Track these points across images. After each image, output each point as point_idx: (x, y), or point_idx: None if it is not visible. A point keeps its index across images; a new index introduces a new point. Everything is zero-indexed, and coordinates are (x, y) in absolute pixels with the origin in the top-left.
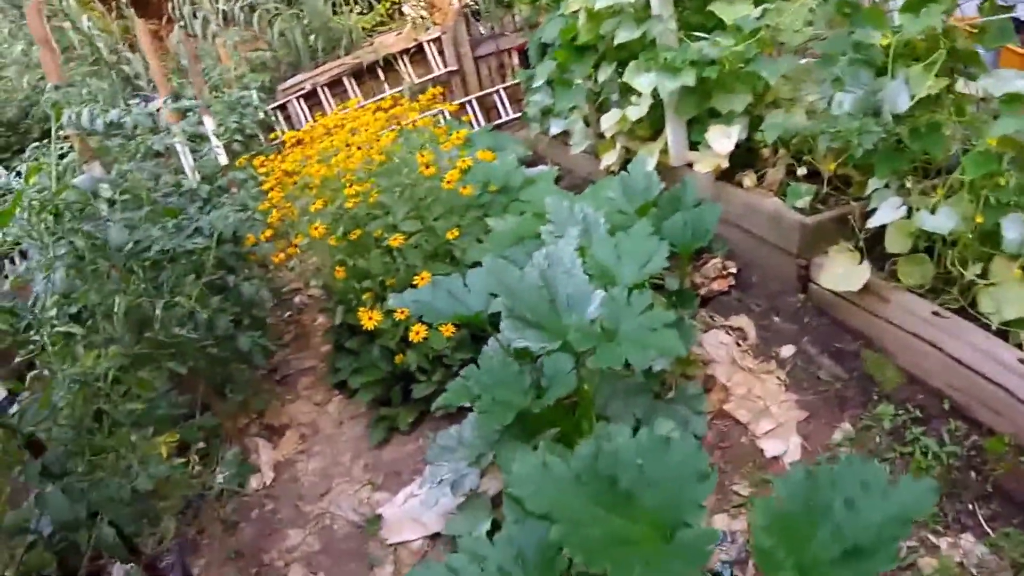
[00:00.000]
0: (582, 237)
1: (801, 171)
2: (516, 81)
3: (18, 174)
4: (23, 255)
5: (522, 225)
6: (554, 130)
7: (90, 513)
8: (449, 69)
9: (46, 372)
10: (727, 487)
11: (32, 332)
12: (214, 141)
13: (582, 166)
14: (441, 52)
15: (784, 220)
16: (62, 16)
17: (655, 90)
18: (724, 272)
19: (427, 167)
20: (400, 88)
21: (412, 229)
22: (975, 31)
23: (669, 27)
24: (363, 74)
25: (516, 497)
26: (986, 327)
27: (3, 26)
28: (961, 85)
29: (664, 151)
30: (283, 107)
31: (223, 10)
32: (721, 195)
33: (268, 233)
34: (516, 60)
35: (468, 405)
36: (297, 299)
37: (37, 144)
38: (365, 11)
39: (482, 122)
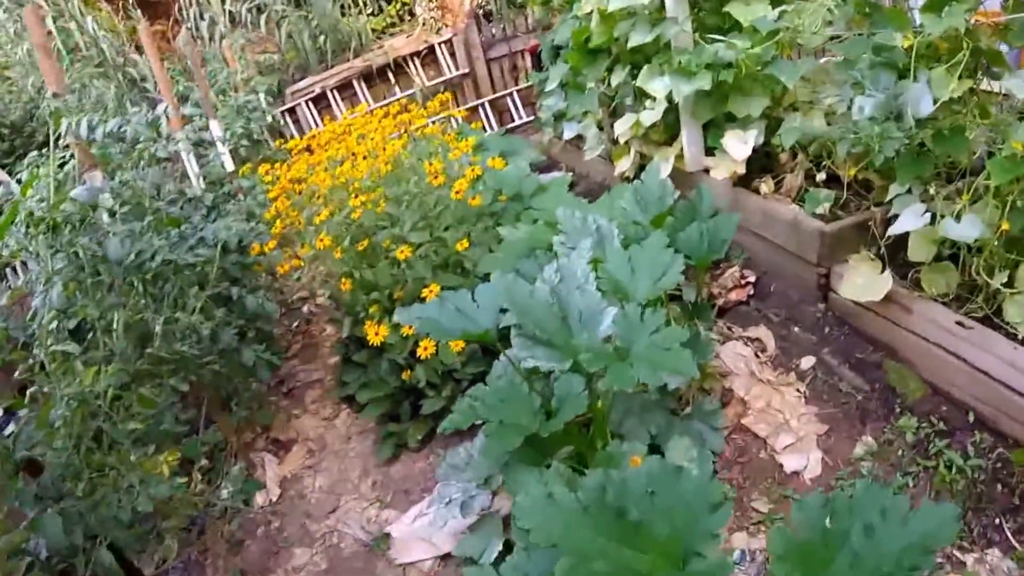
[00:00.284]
0: (595, 249)
1: (820, 176)
2: (529, 83)
3: (19, 181)
4: (24, 265)
5: (535, 234)
6: (567, 134)
7: (89, 535)
8: (461, 72)
9: (45, 389)
10: (745, 504)
11: (31, 348)
12: (220, 147)
13: (597, 171)
14: (452, 54)
15: (803, 227)
16: (68, 17)
17: (670, 94)
18: (742, 282)
19: (435, 176)
20: (411, 91)
21: (421, 240)
22: (999, 27)
23: (684, 29)
24: (373, 77)
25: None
26: (1012, 336)
27: (8, 27)
28: (984, 85)
29: (679, 156)
30: (292, 111)
31: (230, 11)
32: (738, 202)
33: (272, 244)
34: (529, 62)
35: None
36: (305, 308)
37: (38, 151)
38: (375, 13)
39: (495, 125)
